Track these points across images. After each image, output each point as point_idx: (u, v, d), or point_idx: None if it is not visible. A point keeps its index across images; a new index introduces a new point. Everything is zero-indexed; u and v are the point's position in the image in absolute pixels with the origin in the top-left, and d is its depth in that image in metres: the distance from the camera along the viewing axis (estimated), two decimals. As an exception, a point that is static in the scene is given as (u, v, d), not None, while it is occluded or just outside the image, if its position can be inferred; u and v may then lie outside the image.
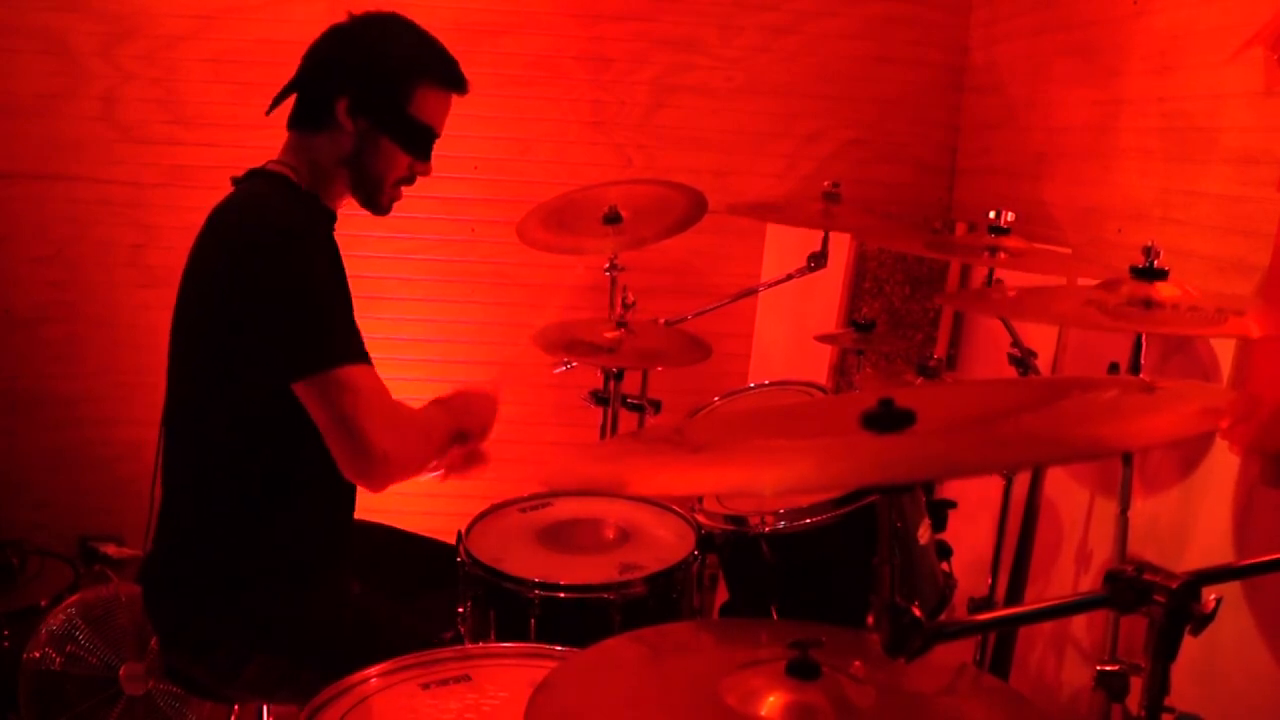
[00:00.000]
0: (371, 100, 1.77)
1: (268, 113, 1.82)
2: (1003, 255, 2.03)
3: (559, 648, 1.50)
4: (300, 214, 1.74)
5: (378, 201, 1.85)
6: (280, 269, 1.64)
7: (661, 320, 2.57)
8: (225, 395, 1.70)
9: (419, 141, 1.82)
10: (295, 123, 1.81)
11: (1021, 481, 2.44)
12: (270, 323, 1.63)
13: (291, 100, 1.82)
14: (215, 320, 1.68)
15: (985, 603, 2.30)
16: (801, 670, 1.06)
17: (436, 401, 1.87)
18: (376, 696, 1.38)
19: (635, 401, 2.50)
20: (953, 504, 1.95)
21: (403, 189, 1.87)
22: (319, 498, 1.80)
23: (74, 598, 2.60)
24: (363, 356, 1.66)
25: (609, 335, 2.34)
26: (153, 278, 3.10)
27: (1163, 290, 1.56)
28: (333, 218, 1.84)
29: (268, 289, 1.63)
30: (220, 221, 1.73)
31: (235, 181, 1.80)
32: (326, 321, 1.65)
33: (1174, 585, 0.92)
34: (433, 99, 1.82)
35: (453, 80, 1.84)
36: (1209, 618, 0.92)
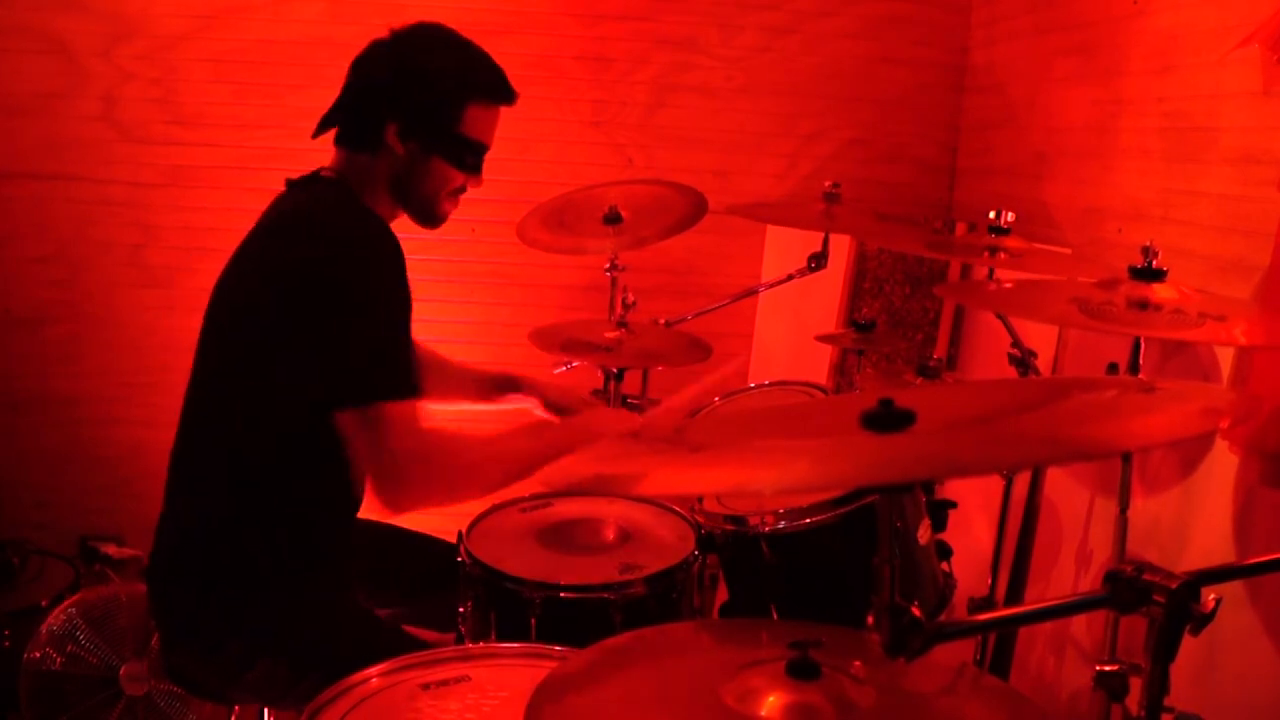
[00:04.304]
0: (423, 124, 1.77)
1: (314, 136, 1.80)
2: (1003, 255, 2.03)
3: (559, 648, 1.49)
4: (365, 228, 1.71)
5: (432, 215, 1.86)
6: (338, 288, 1.62)
7: (661, 320, 2.57)
8: (248, 399, 1.69)
9: (471, 158, 1.82)
10: (343, 142, 1.80)
11: (1021, 481, 2.44)
12: (319, 342, 1.61)
13: (328, 113, 1.80)
14: (261, 324, 1.67)
15: (985, 603, 2.30)
16: (801, 670, 1.06)
17: (531, 428, 1.85)
18: (377, 697, 1.38)
19: (636, 402, 2.50)
20: (953, 504, 1.95)
21: (459, 200, 1.88)
22: (325, 500, 1.80)
23: (74, 598, 2.60)
24: (408, 390, 1.64)
25: (609, 335, 2.34)
26: (153, 278, 3.10)
27: (1160, 292, 1.56)
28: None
29: (321, 307, 1.61)
30: (282, 225, 1.72)
31: (291, 184, 1.79)
32: (376, 351, 1.63)
33: (1174, 585, 0.92)
34: (483, 115, 1.81)
35: (502, 94, 1.83)
36: (1209, 618, 0.92)
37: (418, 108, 1.76)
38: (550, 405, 2.15)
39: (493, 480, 1.71)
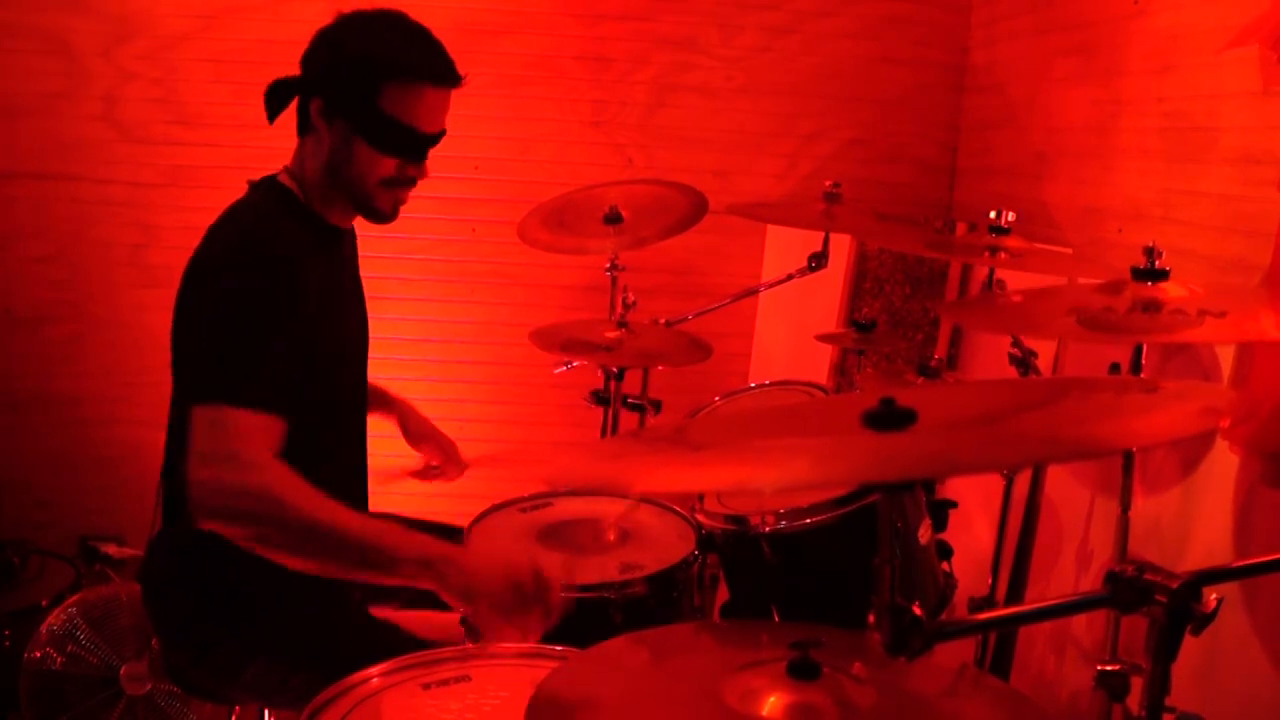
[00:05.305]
0: (340, 98, 1.69)
1: (270, 120, 1.75)
2: (1003, 255, 2.03)
3: (559, 648, 1.49)
4: (269, 233, 1.67)
5: (368, 207, 1.76)
6: (214, 289, 1.62)
7: (662, 320, 2.57)
8: None
9: (396, 140, 1.70)
10: (298, 128, 1.78)
11: (1022, 481, 2.44)
12: (191, 339, 1.64)
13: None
14: (175, 326, 1.70)
15: (985, 602, 2.30)
16: (802, 670, 1.06)
17: (416, 536, 1.56)
18: (377, 697, 1.38)
19: (636, 401, 2.50)
20: (953, 504, 1.95)
21: (402, 192, 1.77)
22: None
23: (75, 597, 2.60)
24: (257, 401, 1.51)
25: (610, 335, 2.34)
26: (153, 278, 3.10)
27: (1168, 291, 1.54)
28: (334, 233, 1.80)
29: (196, 305, 1.63)
30: (209, 229, 1.72)
31: (250, 185, 1.79)
32: (226, 352, 1.57)
33: (1174, 585, 0.92)
34: (409, 95, 1.70)
35: (430, 74, 1.70)
36: (1209, 618, 0.92)
37: (334, 81, 1.69)
38: (407, 433, 2.14)
39: (312, 557, 1.53)
